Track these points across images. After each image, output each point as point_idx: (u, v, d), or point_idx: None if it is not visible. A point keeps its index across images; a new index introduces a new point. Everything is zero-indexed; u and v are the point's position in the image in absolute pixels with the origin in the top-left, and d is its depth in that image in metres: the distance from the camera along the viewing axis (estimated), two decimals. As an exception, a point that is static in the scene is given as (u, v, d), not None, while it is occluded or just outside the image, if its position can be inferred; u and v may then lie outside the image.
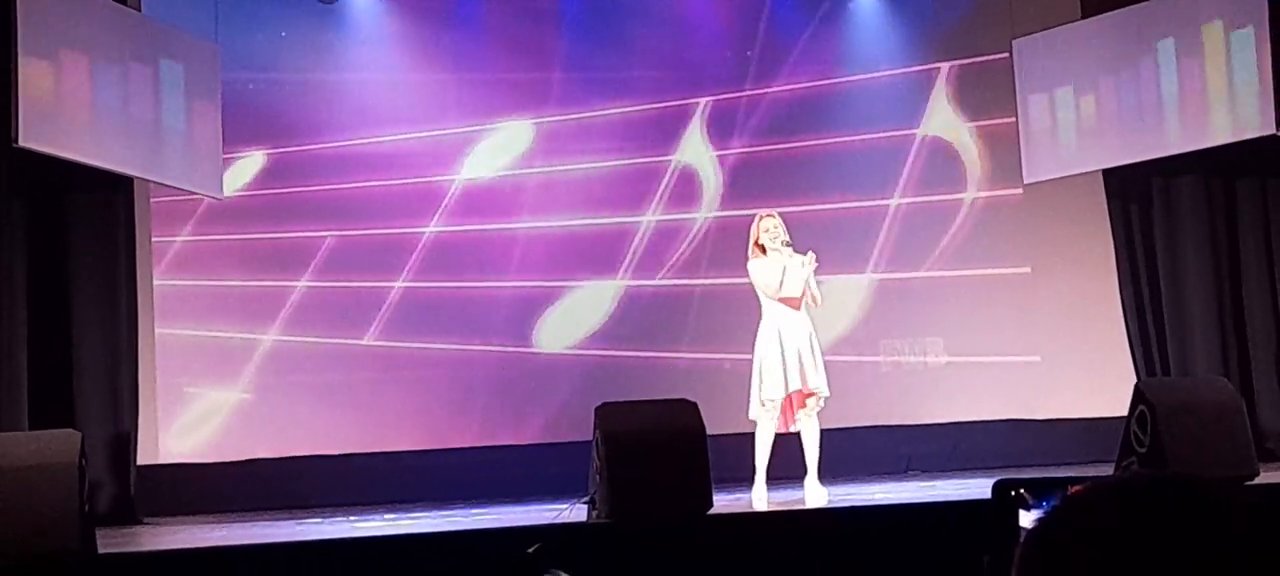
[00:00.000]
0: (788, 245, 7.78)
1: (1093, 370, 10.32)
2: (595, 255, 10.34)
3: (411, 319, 10.08)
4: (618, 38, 10.55)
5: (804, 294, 7.80)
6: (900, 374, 10.50)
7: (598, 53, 10.52)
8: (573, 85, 10.43)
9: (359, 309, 10.04)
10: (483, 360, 10.14)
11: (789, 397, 7.74)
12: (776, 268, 7.75)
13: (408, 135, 10.23)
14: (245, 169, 9.93)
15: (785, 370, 7.67)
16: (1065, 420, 10.16)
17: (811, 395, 7.76)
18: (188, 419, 9.68)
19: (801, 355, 7.69)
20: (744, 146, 10.57)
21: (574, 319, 10.29)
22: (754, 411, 7.80)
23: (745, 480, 7.82)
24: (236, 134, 9.76)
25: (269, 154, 10.02)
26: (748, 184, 10.36)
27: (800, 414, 7.80)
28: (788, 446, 7.84)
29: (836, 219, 10.37)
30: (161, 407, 9.54)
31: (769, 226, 7.86)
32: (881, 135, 10.63)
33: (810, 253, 7.74)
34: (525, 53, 10.43)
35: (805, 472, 7.82)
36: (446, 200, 10.23)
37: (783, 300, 7.76)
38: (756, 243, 7.89)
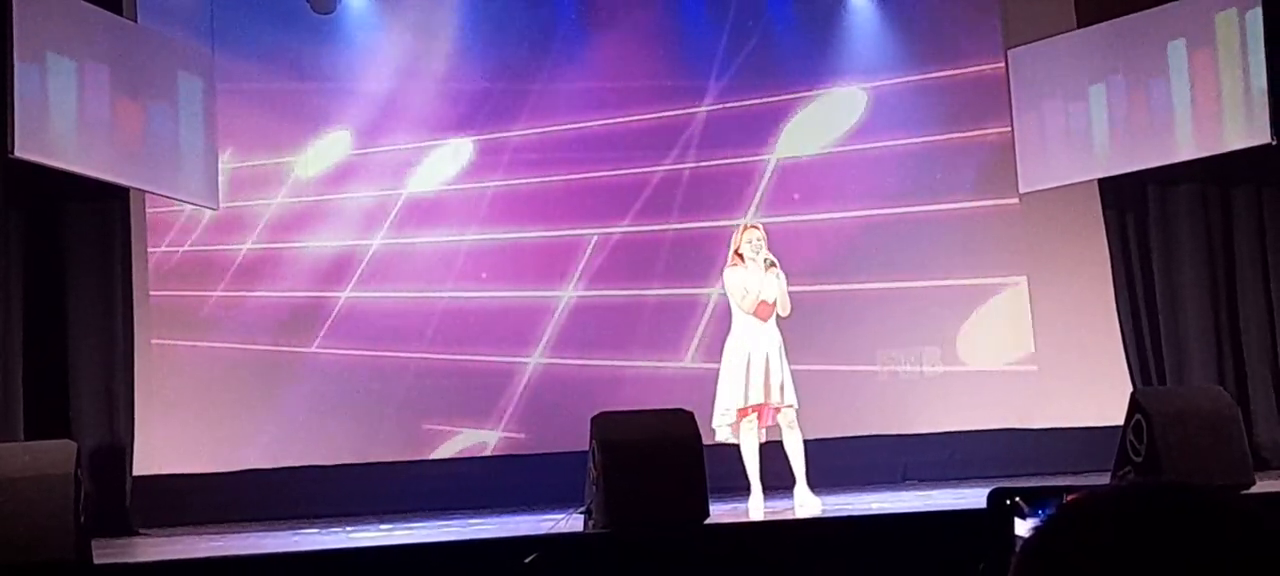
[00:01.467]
0: (767, 260, 7.77)
1: (1089, 379, 10.33)
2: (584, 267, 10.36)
3: (405, 329, 10.06)
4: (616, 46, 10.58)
5: (774, 307, 7.81)
6: (897, 383, 10.49)
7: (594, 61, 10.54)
8: (573, 96, 10.44)
9: (352, 319, 10.02)
10: (479, 369, 10.13)
11: (763, 409, 7.73)
12: (752, 279, 7.76)
13: (404, 145, 10.23)
14: (240, 179, 9.91)
15: (749, 382, 7.66)
16: (1061, 429, 10.15)
17: (786, 408, 7.75)
18: (183, 429, 9.66)
19: (769, 367, 7.69)
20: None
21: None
22: (716, 421, 7.77)
23: (742, 489, 7.81)
24: (232, 144, 9.77)
25: (264, 164, 10.01)
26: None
27: (781, 423, 7.78)
28: (779, 455, 7.83)
29: (830, 229, 10.39)
30: (157, 418, 9.52)
31: (752, 237, 7.86)
32: (870, 146, 10.64)
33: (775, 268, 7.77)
34: (518, 62, 10.43)
35: (794, 484, 7.81)
36: (432, 211, 10.23)
37: (754, 312, 7.77)
38: (736, 251, 7.90)
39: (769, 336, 7.77)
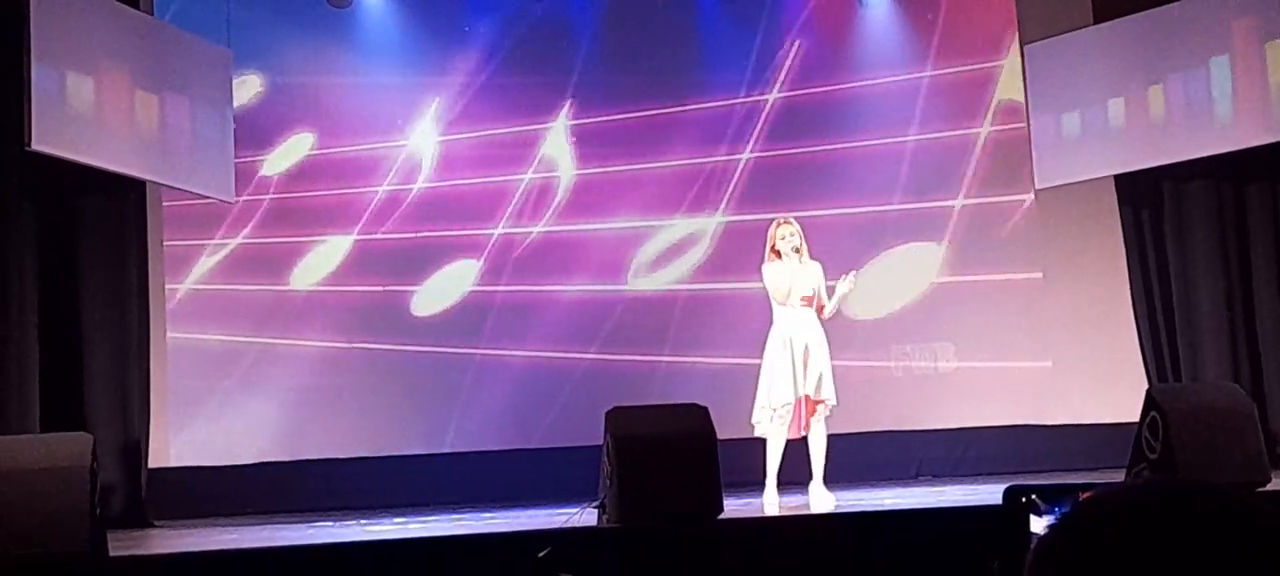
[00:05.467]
0: (798, 252, 7.78)
1: (1104, 376, 10.31)
2: (600, 260, 10.36)
3: (421, 324, 10.09)
4: (630, 45, 10.59)
5: (815, 300, 7.82)
6: (911, 379, 10.48)
7: (609, 60, 10.55)
8: (582, 92, 10.45)
9: (370, 314, 10.04)
10: (493, 364, 10.14)
11: (799, 403, 7.73)
12: (787, 274, 7.76)
13: (422, 139, 10.24)
14: (256, 172, 9.93)
15: (795, 375, 7.67)
16: (1076, 426, 10.14)
17: (820, 402, 7.76)
18: (197, 421, 9.69)
19: (810, 360, 7.69)
20: (756, 150, 10.57)
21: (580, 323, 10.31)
22: (757, 416, 7.81)
23: (756, 484, 7.81)
24: (247, 138, 9.79)
25: (282, 157, 10.03)
26: (760, 188, 10.39)
27: (811, 420, 7.79)
28: (800, 451, 7.83)
29: (847, 223, 10.39)
30: (172, 411, 9.55)
31: (785, 232, 7.86)
32: (890, 141, 10.63)
33: (851, 274, 7.78)
34: (535, 59, 10.44)
35: (809, 480, 7.81)
36: (448, 207, 10.24)
37: (793, 305, 7.77)
38: (772, 248, 7.89)
39: (810, 328, 7.77)
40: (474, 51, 10.38)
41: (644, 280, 10.38)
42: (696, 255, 10.42)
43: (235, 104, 9.66)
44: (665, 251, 10.42)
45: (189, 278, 9.76)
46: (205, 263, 9.81)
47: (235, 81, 9.64)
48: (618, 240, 10.39)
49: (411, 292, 10.13)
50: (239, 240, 9.88)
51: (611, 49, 10.54)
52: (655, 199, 10.43)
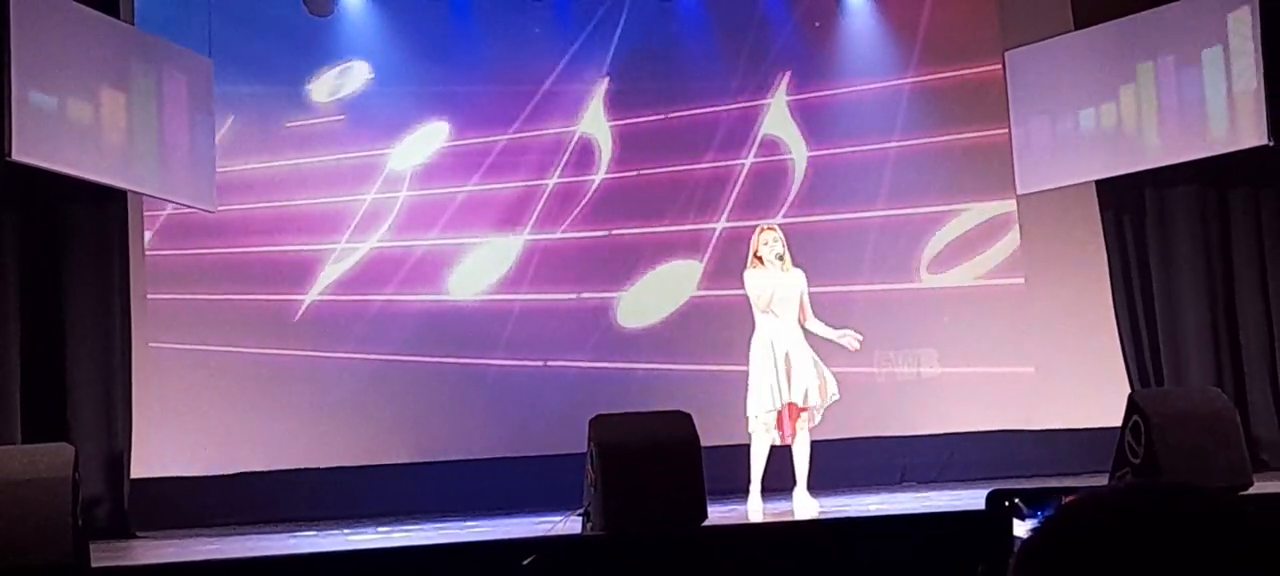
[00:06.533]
0: (780, 259, 7.79)
1: (1087, 380, 10.33)
2: (595, 268, 10.37)
3: (403, 332, 10.06)
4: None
5: (798, 308, 7.82)
6: (894, 384, 10.48)
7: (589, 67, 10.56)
8: (571, 98, 10.46)
9: (351, 322, 10.02)
10: (477, 373, 10.13)
11: (783, 411, 7.73)
12: (769, 281, 7.76)
13: (400, 149, 10.23)
14: (238, 182, 9.90)
15: (777, 384, 7.66)
16: (1059, 430, 10.15)
17: (805, 410, 7.75)
18: (180, 433, 9.65)
19: (793, 368, 7.69)
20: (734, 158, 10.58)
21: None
22: (752, 427, 7.80)
23: (740, 491, 7.81)
24: (229, 147, 9.77)
25: (262, 167, 10.01)
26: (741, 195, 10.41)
27: (796, 427, 7.78)
28: (783, 457, 7.83)
29: (829, 230, 10.40)
30: (154, 422, 9.51)
31: (768, 239, 7.87)
32: (868, 147, 10.64)
33: (856, 338, 7.83)
34: (523, 64, 10.44)
35: (794, 486, 7.81)
36: (438, 213, 10.23)
37: (775, 313, 7.77)
38: (755, 254, 7.90)
39: (792, 335, 7.77)
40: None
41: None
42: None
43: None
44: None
45: (170, 288, 9.71)
46: (187, 273, 9.76)
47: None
48: (609, 249, 10.39)
49: (396, 301, 10.11)
50: (221, 250, 9.84)
51: (576, 56, 10.55)
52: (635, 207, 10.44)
